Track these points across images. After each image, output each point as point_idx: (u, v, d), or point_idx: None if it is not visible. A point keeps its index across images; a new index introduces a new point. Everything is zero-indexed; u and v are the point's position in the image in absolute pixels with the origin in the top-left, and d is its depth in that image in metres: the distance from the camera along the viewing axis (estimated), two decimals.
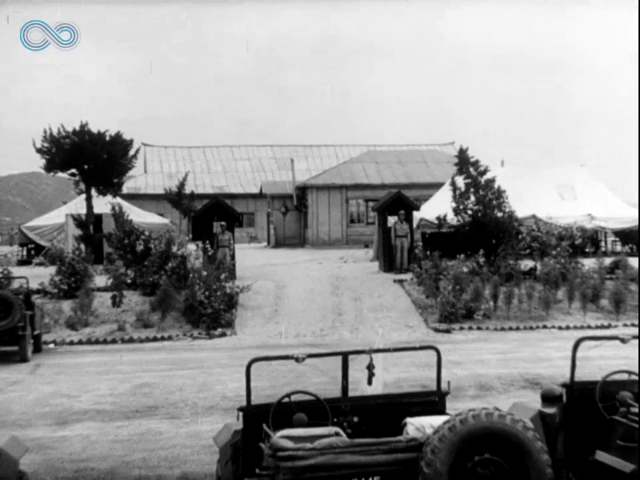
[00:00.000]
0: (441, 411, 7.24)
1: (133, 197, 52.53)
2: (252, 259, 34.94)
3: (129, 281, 24.79)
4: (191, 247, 27.54)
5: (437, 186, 38.81)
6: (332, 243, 46.48)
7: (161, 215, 46.11)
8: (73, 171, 33.90)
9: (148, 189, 62.16)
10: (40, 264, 33.43)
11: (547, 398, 7.63)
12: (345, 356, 7.27)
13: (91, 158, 33.16)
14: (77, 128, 33.57)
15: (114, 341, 21.57)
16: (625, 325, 22.68)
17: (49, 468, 10.24)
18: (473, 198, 27.29)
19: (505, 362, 17.20)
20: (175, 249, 24.93)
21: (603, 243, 37.24)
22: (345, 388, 7.27)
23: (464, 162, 27.52)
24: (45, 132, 33.44)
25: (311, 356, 7.23)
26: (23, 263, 37.70)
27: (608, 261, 26.94)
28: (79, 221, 33.49)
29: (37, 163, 34.78)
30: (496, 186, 27.12)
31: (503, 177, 28.91)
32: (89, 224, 33.58)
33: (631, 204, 36.44)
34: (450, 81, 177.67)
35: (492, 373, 15.87)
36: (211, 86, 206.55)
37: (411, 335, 21.66)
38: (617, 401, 7.29)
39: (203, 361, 18.37)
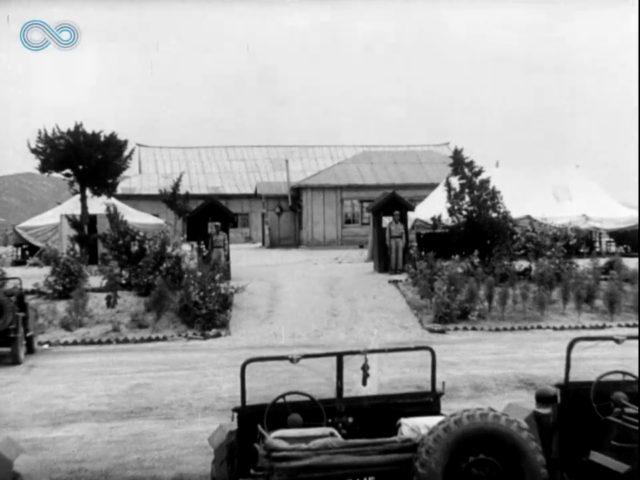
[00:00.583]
0: (435, 411, 7.25)
1: (127, 198, 52.44)
2: (247, 259, 34.94)
3: (123, 281, 24.79)
4: (186, 247, 27.58)
5: (432, 186, 38.84)
6: (327, 243, 46.47)
7: (156, 215, 46.05)
8: (68, 171, 33.88)
9: (142, 189, 62.06)
10: (34, 264, 33.38)
11: (542, 398, 7.63)
12: (340, 356, 7.28)
13: (86, 158, 33.12)
14: (72, 129, 33.56)
15: (109, 342, 21.54)
16: (620, 326, 22.72)
17: (44, 469, 10.22)
18: (467, 198, 27.29)
19: (500, 362, 17.20)
20: (169, 249, 24.93)
21: (597, 244, 37.30)
22: (339, 389, 7.27)
23: (459, 162, 27.52)
24: (39, 132, 33.43)
25: (305, 356, 7.23)
26: (17, 263, 37.64)
27: (602, 261, 27.00)
28: (73, 222, 33.43)
29: (31, 164, 34.84)
30: (491, 186, 27.14)
31: (497, 177, 28.93)
32: (84, 224, 33.54)
33: (625, 204, 36.52)
34: (448, 81, 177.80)
35: (486, 373, 15.88)
36: (206, 86, 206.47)
37: (405, 336, 21.67)
38: (611, 402, 7.30)
39: (197, 361, 18.35)
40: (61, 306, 23.26)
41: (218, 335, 21.91)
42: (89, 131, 33.74)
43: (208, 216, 28.11)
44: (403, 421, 6.66)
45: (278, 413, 6.86)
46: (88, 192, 33.88)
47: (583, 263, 26.20)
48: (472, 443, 6.02)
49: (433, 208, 31.14)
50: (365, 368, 7.65)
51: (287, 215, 50.16)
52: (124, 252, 25.32)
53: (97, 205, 32.87)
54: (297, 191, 49.38)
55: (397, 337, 21.29)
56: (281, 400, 6.98)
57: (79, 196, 34.38)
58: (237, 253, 34.43)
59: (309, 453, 5.94)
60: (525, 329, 22.55)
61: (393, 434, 6.56)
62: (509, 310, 23.61)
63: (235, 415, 7.06)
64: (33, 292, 23.96)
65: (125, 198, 49.73)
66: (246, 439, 6.84)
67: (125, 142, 34.70)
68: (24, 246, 40.06)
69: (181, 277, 23.90)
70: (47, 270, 25.49)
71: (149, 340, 21.73)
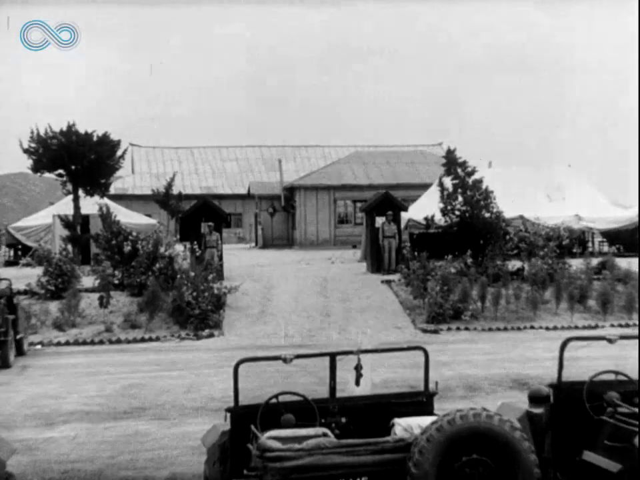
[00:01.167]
0: (428, 411, 7.25)
1: (120, 198, 52.43)
2: (240, 259, 34.90)
3: (116, 281, 24.74)
4: (179, 247, 27.53)
5: (425, 187, 38.88)
6: (320, 243, 46.47)
7: (149, 215, 45.96)
8: (60, 171, 33.80)
9: (135, 189, 62.05)
10: (27, 265, 33.26)
11: (535, 398, 7.65)
12: (333, 356, 7.28)
13: (79, 158, 33.07)
14: (64, 128, 33.49)
15: (101, 342, 21.49)
16: (612, 326, 22.76)
17: (36, 469, 10.21)
18: (460, 198, 27.30)
19: (493, 362, 17.22)
20: (162, 249, 24.89)
21: (590, 244, 37.37)
22: (332, 388, 7.27)
23: (452, 163, 27.54)
24: (32, 132, 33.36)
25: (298, 356, 7.23)
26: (10, 263, 37.52)
27: (595, 261, 27.02)
28: (66, 222, 33.36)
29: (24, 164, 34.74)
30: (483, 186, 27.16)
31: (490, 177, 28.96)
32: (76, 225, 33.47)
33: (618, 204, 36.61)
34: (445, 81, 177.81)
35: (480, 373, 15.90)
36: (201, 87, 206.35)
37: (398, 336, 21.67)
38: (604, 401, 7.30)
39: (190, 361, 18.34)
40: (54, 306, 23.20)
41: (211, 335, 21.88)
42: (81, 130, 33.71)
43: (201, 216, 28.07)
44: (396, 421, 6.66)
45: (271, 413, 6.85)
46: (80, 192, 33.81)
47: (576, 263, 26.22)
48: (465, 442, 6.02)
49: (426, 208, 31.16)
50: (358, 368, 7.65)
51: (280, 215, 50.16)
52: (117, 252, 25.27)
53: (90, 205, 32.79)
54: (290, 191, 49.38)
55: (390, 337, 21.29)
56: (274, 400, 6.98)
57: (71, 196, 34.31)
58: (230, 253, 34.41)
59: (302, 453, 5.93)
60: (518, 329, 22.57)
61: (386, 434, 6.56)
62: (501, 310, 23.63)
63: (228, 415, 7.05)
64: (25, 292, 23.88)
65: (117, 198, 49.70)
66: (239, 439, 6.83)
67: (118, 142, 34.65)
68: (17, 246, 39.96)
69: (173, 277, 23.87)
70: (39, 270, 25.40)
71: (142, 340, 21.68)
